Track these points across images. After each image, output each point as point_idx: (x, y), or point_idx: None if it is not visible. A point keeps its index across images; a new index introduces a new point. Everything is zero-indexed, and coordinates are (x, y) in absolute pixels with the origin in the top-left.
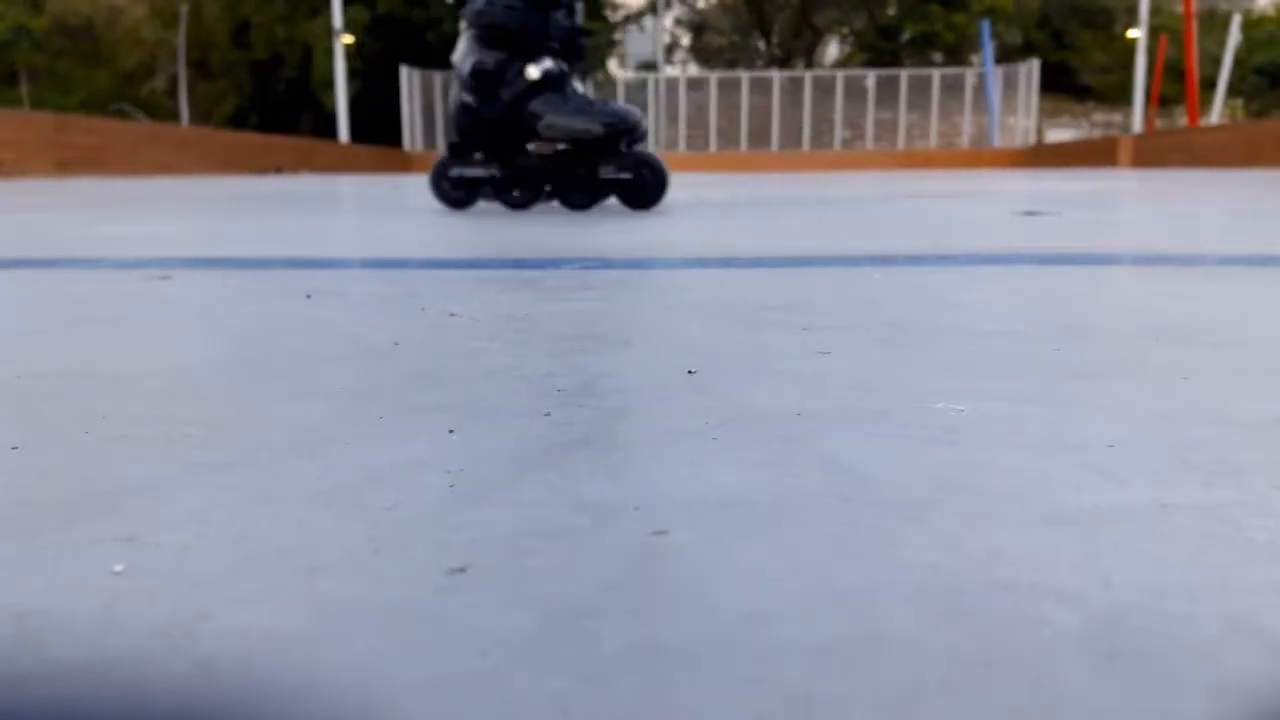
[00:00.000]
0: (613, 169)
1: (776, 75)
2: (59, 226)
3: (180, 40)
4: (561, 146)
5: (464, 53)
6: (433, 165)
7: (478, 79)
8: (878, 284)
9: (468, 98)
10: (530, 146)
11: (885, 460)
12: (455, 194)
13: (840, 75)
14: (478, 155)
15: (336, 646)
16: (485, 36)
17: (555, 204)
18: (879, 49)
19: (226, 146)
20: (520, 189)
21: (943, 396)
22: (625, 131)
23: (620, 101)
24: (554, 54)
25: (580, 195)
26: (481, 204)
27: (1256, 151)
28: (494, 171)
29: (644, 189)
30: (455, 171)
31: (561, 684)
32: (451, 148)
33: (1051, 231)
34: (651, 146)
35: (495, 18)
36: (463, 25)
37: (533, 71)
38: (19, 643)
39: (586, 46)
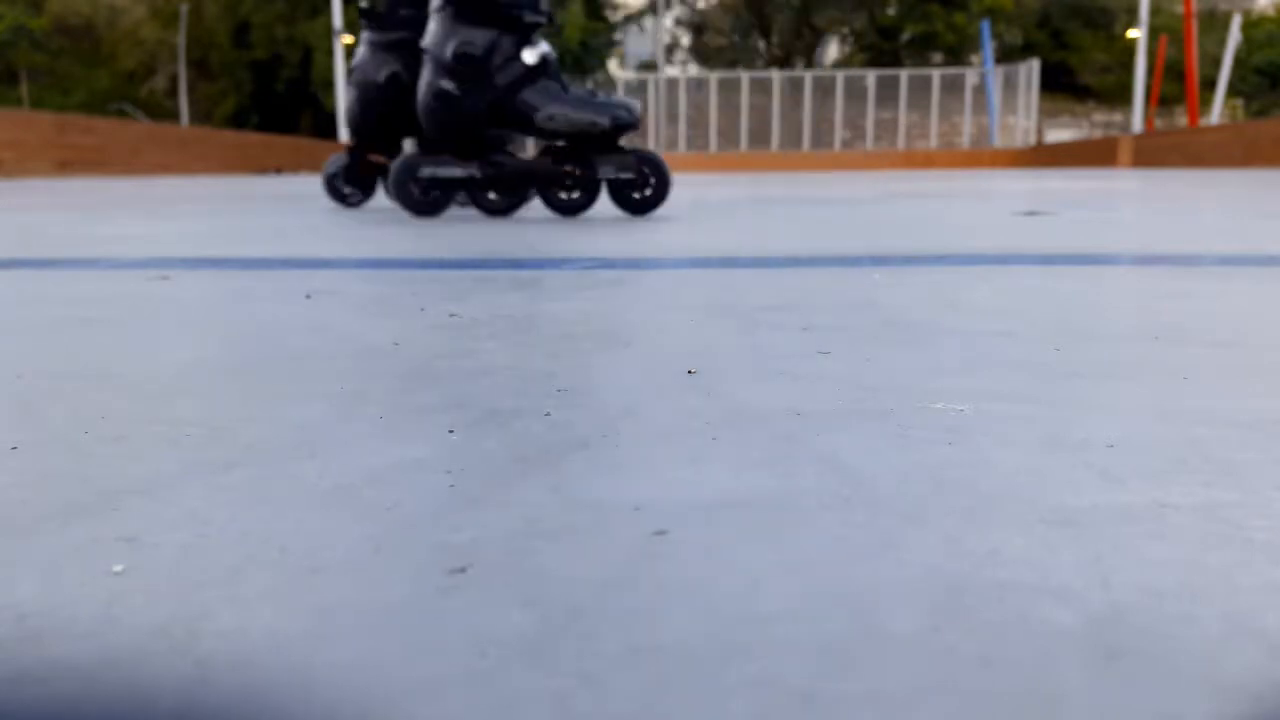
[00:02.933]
0: (613, 168)
1: (776, 75)
2: (59, 227)
3: (180, 40)
4: (557, 144)
5: (443, 34)
6: (395, 166)
7: (463, 63)
8: (877, 284)
9: (448, 85)
10: (529, 142)
11: (885, 460)
12: (425, 198)
13: (840, 75)
14: (446, 154)
15: (337, 646)
16: (468, 13)
17: (534, 208)
18: (879, 49)
19: (226, 147)
20: (501, 191)
21: (943, 396)
22: (630, 125)
23: (614, 95)
24: (543, 31)
25: (571, 198)
26: (453, 210)
27: (1256, 151)
28: (473, 172)
29: (644, 190)
30: (427, 172)
31: (561, 684)
32: (423, 145)
33: (1051, 232)
34: (651, 146)
35: None
36: (435, 2)
37: (528, 56)
38: (20, 642)
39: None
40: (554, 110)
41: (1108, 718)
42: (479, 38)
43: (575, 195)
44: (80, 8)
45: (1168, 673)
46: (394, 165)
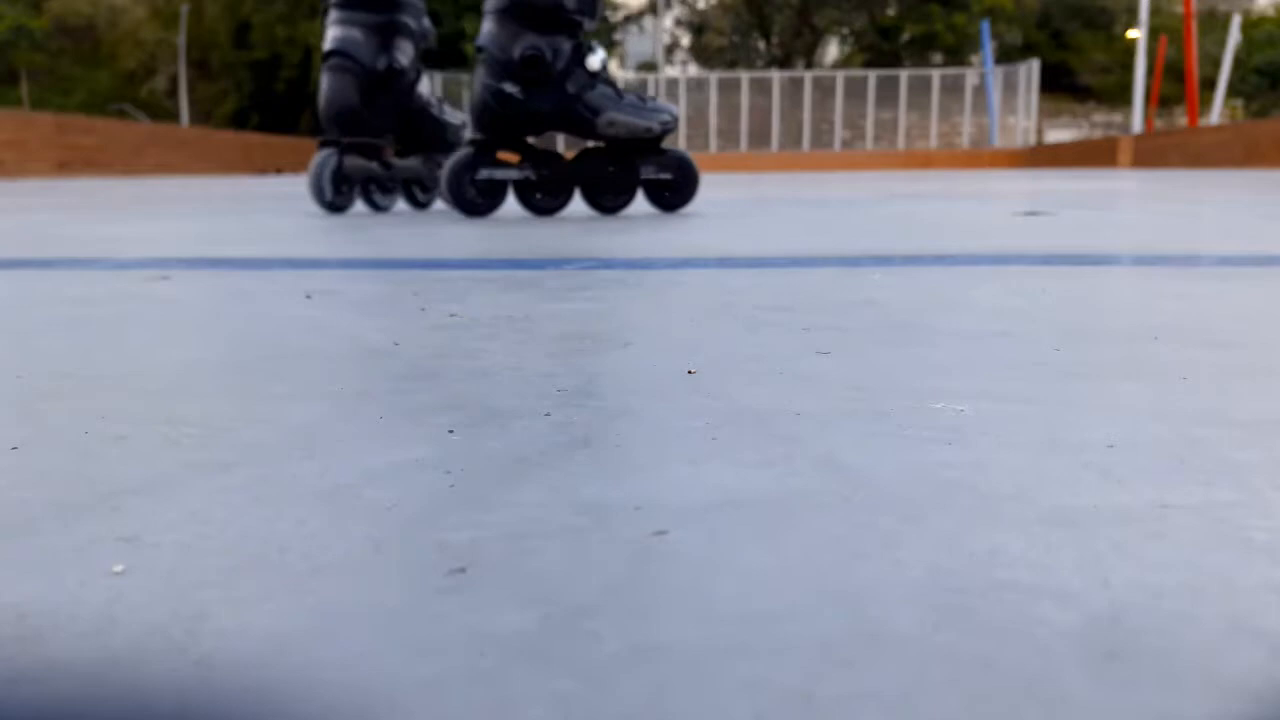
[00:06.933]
0: (653, 169)
1: (776, 75)
2: (59, 227)
3: (180, 41)
4: (591, 145)
5: (505, 34)
6: (450, 166)
7: (531, 66)
8: (877, 284)
9: (511, 88)
10: (589, 143)
11: (885, 460)
12: (481, 200)
13: (840, 75)
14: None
15: (336, 646)
16: (531, 16)
17: (571, 209)
18: (879, 49)
19: (226, 147)
20: (548, 193)
21: (943, 396)
22: (672, 129)
23: (654, 99)
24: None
25: (614, 198)
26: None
27: (1256, 152)
28: (528, 174)
29: (682, 189)
30: (484, 174)
31: (561, 684)
32: (480, 145)
33: (1051, 232)
34: None
35: None
36: (491, 3)
37: (594, 62)
38: (19, 642)
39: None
40: (614, 116)
41: (1108, 718)
42: (544, 42)
43: (621, 196)
44: (80, 8)
45: (1167, 672)
46: (449, 165)
